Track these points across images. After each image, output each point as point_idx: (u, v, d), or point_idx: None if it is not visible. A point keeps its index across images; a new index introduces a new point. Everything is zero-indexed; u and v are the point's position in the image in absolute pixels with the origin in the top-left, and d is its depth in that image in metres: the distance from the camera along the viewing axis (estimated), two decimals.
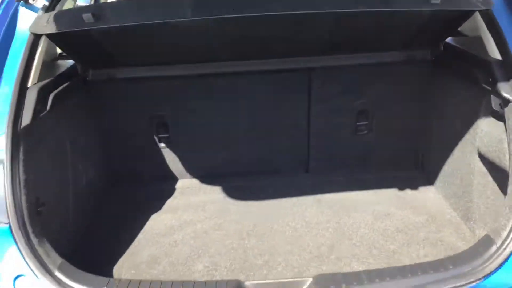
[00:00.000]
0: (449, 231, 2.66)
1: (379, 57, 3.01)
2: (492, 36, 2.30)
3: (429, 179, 3.20)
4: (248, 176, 3.41)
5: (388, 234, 2.67)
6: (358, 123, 3.30)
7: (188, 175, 3.44)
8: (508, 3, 2.38)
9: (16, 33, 2.45)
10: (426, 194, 3.06)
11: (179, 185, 3.39)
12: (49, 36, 2.41)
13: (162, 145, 3.34)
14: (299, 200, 3.08)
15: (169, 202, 3.17)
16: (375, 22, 2.61)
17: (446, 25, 2.69)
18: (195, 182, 3.41)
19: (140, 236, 2.79)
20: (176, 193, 3.28)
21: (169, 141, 3.32)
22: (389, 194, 3.09)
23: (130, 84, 3.10)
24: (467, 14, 2.51)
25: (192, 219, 2.95)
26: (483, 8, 2.28)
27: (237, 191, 3.25)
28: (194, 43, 2.75)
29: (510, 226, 2.01)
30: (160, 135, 3.30)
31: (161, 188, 3.34)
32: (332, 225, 2.79)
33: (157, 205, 3.12)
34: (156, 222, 2.93)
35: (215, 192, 3.25)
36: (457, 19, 2.62)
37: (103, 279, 2.04)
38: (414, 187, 3.16)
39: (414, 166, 3.41)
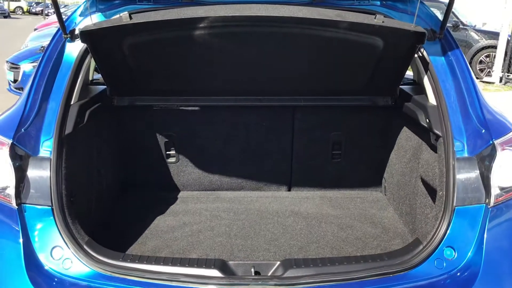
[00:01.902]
0: (397, 241, 3.28)
1: (350, 100, 3.70)
2: (430, 84, 2.98)
3: (389, 201, 3.84)
4: (239, 191, 4.06)
5: (348, 240, 3.28)
6: (333, 152, 3.96)
7: (189, 187, 4.08)
8: (445, 51, 3.04)
9: (62, 62, 3.12)
10: (385, 213, 3.69)
11: (181, 195, 4.02)
12: (91, 46, 3.02)
13: (169, 160, 3.99)
14: (279, 212, 3.71)
15: (172, 207, 3.80)
16: (340, 70, 3.33)
17: (393, 72, 3.37)
18: (194, 193, 4.05)
19: (147, 232, 3.40)
20: (178, 201, 3.91)
21: (175, 158, 3.97)
22: (355, 211, 3.72)
23: (146, 110, 3.78)
24: (407, 61, 3.19)
25: (190, 221, 3.57)
26: (414, 30, 2.87)
27: (229, 202, 3.88)
28: (202, 78, 3.45)
29: (434, 231, 2.62)
30: (168, 152, 3.96)
31: (166, 196, 3.97)
32: (304, 232, 3.40)
33: (161, 210, 3.74)
34: (160, 222, 3.55)
35: (211, 202, 3.88)
36: (400, 67, 3.30)
37: (119, 254, 2.66)
38: (376, 206, 3.79)
39: (379, 190, 4.05)
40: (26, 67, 8.79)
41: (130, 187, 4.04)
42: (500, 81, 12.85)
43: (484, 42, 13.47)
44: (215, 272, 2.50)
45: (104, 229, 3.37)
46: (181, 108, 3.80)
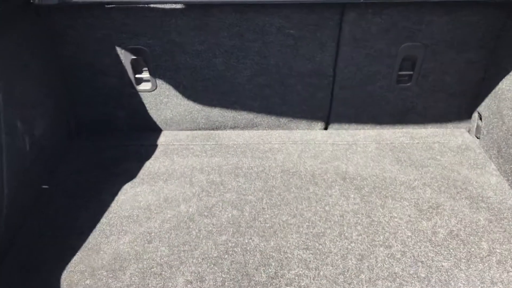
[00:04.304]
0: None
1: None
2: None
3: (488, 151, 2.45)
4: (251, 130, 2.67)
5: (438, 240, 1.96)
6: (400, 73, 2.49)
7: (174, 125, 2.68)
8: None
9: None
10: (486, 176, 2.32)
11: (161, 139, 2.63)
12: None
13: (141, 87, 2.55)
14: (316, 173, 2.35)
15: (147, 166, 2.43)
16: None
17: None
18: (182, 136, 2.65)
19: (104, 221, 2.08)
20: (157, 152, 2.53)
21: (151, 83, 2.53)
22: (436, 172, 2.35)
23: (93, 11, 2.25)
24: None
25: (175, 195, 2.23)
26: None
27: (235, 153, 2.51)
28: None
29: None
30: (138, 76, 2.51)
31: (137, 142, 2.59)
32: (362, 219, 2.07)
33: (130, 170, 2.38)
34: (127, 199, 2.20)
35: (208, 154, 2.51)
36: None
37: None
38: (468, 162, 2.41)
39: (466, 127, 2.65)
40: None
41: (78, 133, 2.65)
42: None
43: None
44: None
45: (29, 226, 2.05)
46: (152, 6, 2.26)
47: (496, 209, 2.11)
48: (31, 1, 2.09)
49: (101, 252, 1.92)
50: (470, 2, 2.20)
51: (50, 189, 2.24)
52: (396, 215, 2.08)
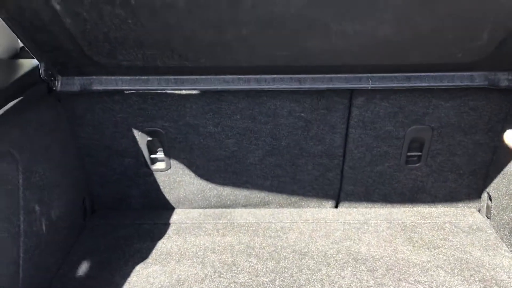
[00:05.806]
0: None
1: (450, 79, 2.24)
2: None
3: (498, 231, 2.46)
4: (262, 208, 2.71)
5: None
6: (409, 153, 2.55)
7: (187, 203, 2.73)
8: None
9: None
10: (498, 258, 2.32)
11: (174, 218, 2.67)
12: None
13: (155, 167, 2.61)
14: (328, 254, 2.35)
15: (160, 245, 2.45)
16: (449, 30, 1.84)
17: None
18: (194, 214, 2.69)
19: None
20: (169, 231, 2.56)
21: (165, 163, 2.59)
22: (448, 253, 2.35)
23: (113, 96, 2.36)
24: None
25: (188, 276, 2.23)
26: None
27: (247, 233, 2.52)
28: (203, 47, 2.00)
29: None
30: (153, 156, 2.58)
31: (150, 221, 2.62)
32: None
33: (142, 250, 2.40)
34: (139, 280, 2.21)
35: (219, 233, 2.53)
36: None
37: None
38: (480, 244, 2.42)
39: (474, 207, 2.68)
40: None
41: (93, 212, 2.70)
42: None
43: None
44: None
45: None
46: (169, 92, 2.36)
47: None
48: (54, 88, 2.19)
49: None
50: (475, 88, 2.28)
51: (63, 272, 2.26)
52: None
